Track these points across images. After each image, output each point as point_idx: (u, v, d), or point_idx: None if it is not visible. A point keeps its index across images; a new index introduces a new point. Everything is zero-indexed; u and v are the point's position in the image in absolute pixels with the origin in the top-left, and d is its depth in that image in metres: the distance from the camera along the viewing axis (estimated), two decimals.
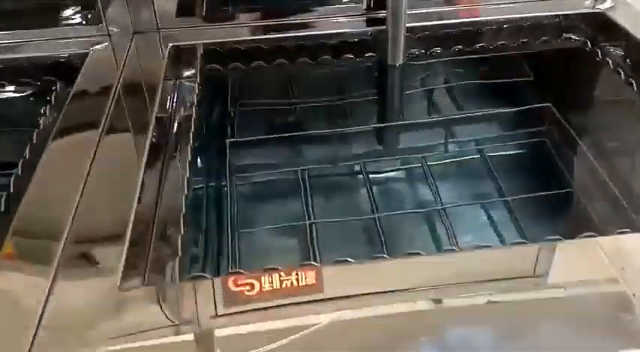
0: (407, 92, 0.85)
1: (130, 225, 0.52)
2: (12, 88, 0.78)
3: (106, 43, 0.79)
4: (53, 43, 0.79)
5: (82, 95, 0.70)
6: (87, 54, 0.77)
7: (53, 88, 0.75)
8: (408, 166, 0.82)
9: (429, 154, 0.82)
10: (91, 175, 0.58)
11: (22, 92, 0.78)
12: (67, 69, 0.76)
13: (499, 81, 0.85)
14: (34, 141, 0.65)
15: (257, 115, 0.86)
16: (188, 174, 0.63)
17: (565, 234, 0.54)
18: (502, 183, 0.77)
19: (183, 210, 0.59)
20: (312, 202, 0.77)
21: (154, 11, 0.80)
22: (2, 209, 0.56)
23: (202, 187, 0.71)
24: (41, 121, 0.69)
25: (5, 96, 0.79)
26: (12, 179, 0.59)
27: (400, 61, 0.79)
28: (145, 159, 0.60)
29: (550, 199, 0.74)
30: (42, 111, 0.71)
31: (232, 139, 0.80)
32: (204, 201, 0.71)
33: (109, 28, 0.80)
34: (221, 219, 0.74)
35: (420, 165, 0.81)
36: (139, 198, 0.56)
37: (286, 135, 0.81)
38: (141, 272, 0.49)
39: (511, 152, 0.83)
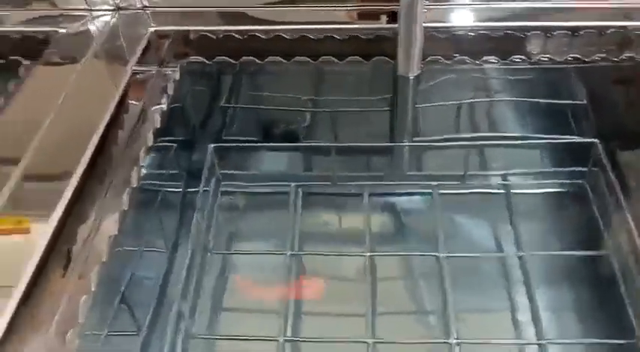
0: (421, 105, 0.70)
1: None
2: None
3: (85, 20, 0.70)
4: (26, 17, 0.70)
5: (41, 74, 0.62)
6: (59, 31, 0.68)
7: (18, 67, 0.67)
8: (416, 197, 0.70)
9: (442, 184, 0.69)
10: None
11: None
12: (37, 47, 0.67)
13: (540, 101, 0.70)
14: None
15: (237, 124, 0.74)
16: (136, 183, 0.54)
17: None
18: (520, 232, 0.65)
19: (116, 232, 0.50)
20: (299, 228, 0.67)
21: None
22: None
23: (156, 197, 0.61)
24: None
25: None
26: None
27: (415, 72, 0.63)
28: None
29: (576, 261, 0.62)
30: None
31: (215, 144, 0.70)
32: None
33: (89, 3, 0.70)
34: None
35: (430, 197, 0.69)
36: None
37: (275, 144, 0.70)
38: None
39: (540, 191, 0.70)
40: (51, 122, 0.55)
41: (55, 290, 0.44)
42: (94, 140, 0.53)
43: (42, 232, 0.46)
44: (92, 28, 0.68)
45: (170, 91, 0.63)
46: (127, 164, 0.55)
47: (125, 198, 0.51)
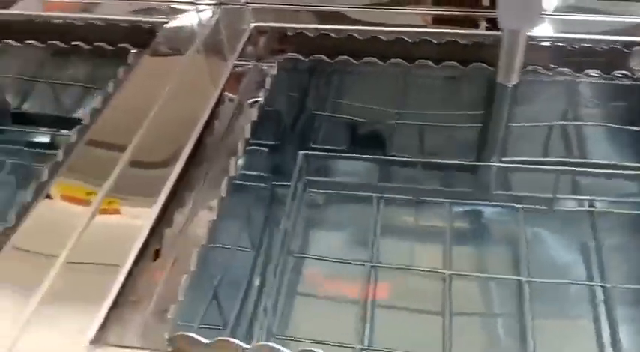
0: (516, 124, 0.69)
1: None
2: (87, 49, 0.74)
3: (189, 13, 0.72)
4: (134, 8, 0.74)
5: (149, 64, 0.65)
6: (165, 22, 0.71)
7: (127, 54, 0.70)
8: (501, 218, 0.69)
9: (528, 207, 0.68)
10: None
11: (97, 55, 0.74)
12: (143, 36, 0.71)
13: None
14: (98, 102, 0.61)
15: (331, 124, 0.75)
16: (234, 173, 0.55)
17: None
18: (606, 261, 0.63)
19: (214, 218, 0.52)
20: (379, 239, 0.68)
21: None
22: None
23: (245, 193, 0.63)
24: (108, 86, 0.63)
25: (80, 58, 0.75)
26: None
27: (514, 81, 0.62)
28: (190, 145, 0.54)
29: None
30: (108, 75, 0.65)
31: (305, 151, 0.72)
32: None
33: None
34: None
35: (515, 218, 0.68)
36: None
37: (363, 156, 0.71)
38: None
39: (628, 220, 0.67)
40: (157, 111, 0.58)
41: (156, 270, 0.47)
42: (197, 130, 0.56)
43: (146, 215, 0.48)
44: (196, 21, 0.71)
45: (267, 86, 0.65)
46: (224, 154, 0.58)
47: (224, 186, 0.53)
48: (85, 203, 0.50)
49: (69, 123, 0.76)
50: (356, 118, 0.74)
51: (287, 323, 0.63)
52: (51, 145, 0.76)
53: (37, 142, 0.77)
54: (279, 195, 0.71)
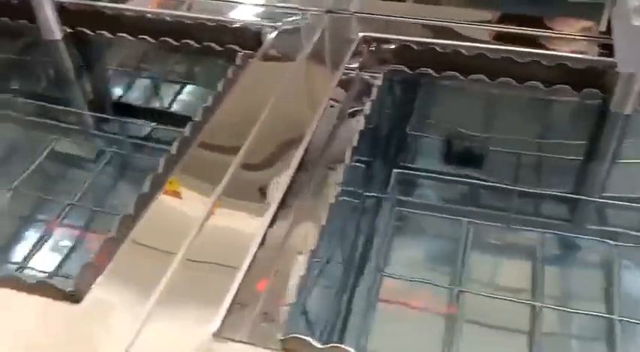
0: (622, 160, 0.67)
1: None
2: (196, 47, 0.76)
3: (297, 19, 0.73)
4: (243, 10, 0.76)
5: (258, 68, 0.66)
6: (274, 27, 0.72)
7: (234, 56, 0.72)
8: (594, 254, 0.67)
9: (623, 245, 0.65)
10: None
11: (205, 54, 0.76)
12: (251, 39, 0.72)
13: None
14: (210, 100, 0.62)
15: (428, 141, 0.75)
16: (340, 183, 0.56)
17: None
18: None
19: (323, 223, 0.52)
20: (467, 263, 0.66)
21: None
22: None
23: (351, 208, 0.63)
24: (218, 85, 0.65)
25: (189, 56, 0.78)
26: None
27: (629, 110, 0.61)
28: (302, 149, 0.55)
29: None
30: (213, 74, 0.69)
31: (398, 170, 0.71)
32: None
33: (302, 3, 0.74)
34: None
35: (609, 255, 0.65)
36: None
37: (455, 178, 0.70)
38: None
39: None
40: (268, 114, 0.59)
41: (266, 273, 0.48)
42: (307, 137, 0.57)
43: (259, 220, 0.49)
44: (304, 27, 0.72)
45: (373, 97, 0.66)
46: (329, 161, 0.58)
47: (333, 193, 0.54)
48: (200, 202, 0.51)
49: (170, 117, 0.80)
50: (454, 139, 0.73)
51: (374, 339, 0.64)
52: (152, 138, 0.78)
53: (138, 135, 0.79)
54: (368, 210, 0.71)
